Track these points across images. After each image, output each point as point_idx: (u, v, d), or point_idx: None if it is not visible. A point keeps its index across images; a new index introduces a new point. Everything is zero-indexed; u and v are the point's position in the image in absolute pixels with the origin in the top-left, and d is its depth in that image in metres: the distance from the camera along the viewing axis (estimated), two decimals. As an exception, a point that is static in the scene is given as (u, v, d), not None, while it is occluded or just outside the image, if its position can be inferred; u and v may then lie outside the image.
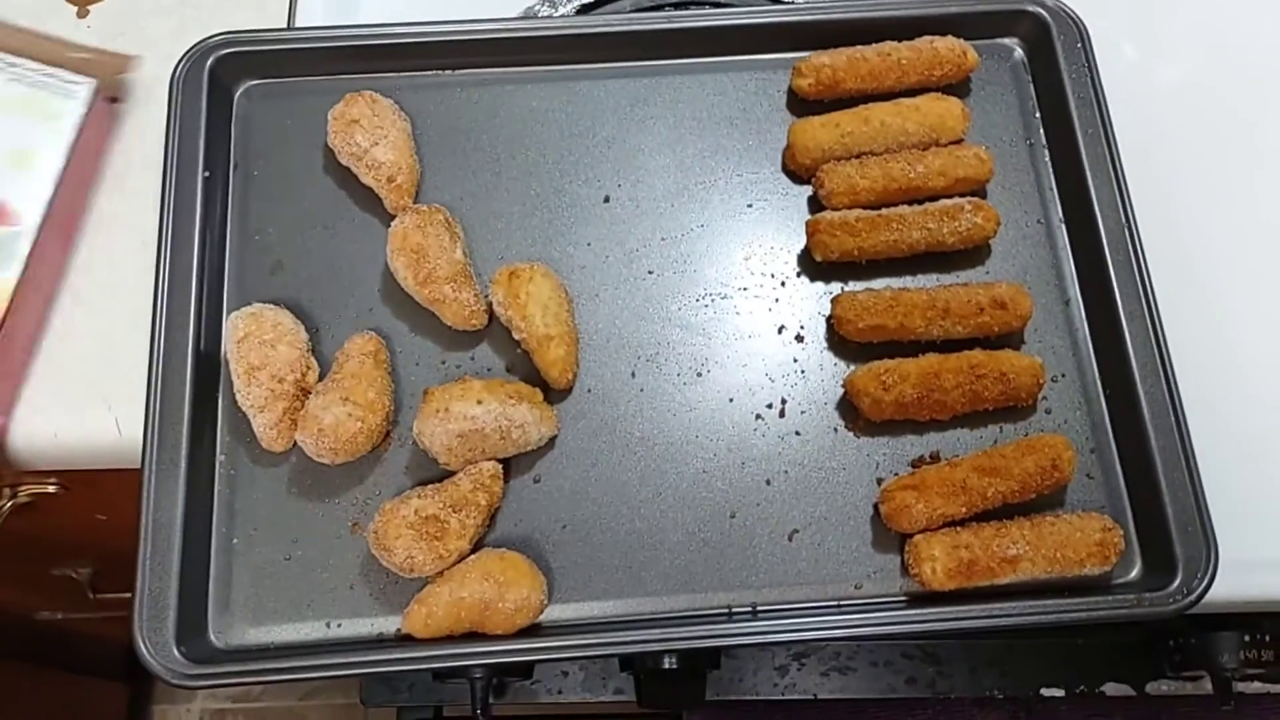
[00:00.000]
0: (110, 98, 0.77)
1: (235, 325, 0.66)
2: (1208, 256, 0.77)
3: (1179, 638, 0.78)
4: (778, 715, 0.82)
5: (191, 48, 0.73)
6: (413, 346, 0.70)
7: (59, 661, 1.40)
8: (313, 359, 0.67)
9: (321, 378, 0.67)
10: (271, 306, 0.67)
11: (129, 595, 0.61)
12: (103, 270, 0.74)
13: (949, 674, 0.83)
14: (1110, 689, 0.83)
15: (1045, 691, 0.83)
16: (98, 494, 0.83)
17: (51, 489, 0.82)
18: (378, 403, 0.65)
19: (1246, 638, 0.75)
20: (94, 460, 0.72)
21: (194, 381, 0.65)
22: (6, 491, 0.80)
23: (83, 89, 0.71)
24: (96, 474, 0.74)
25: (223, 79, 0.74)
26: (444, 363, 0.69)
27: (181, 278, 0.68)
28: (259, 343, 0.65)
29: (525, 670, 0.81)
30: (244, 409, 0.65)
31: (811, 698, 0.82)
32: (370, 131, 0.70)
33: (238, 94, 0.75)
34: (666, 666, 0.73)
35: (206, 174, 0.70)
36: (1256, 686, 0.82)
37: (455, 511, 0.62)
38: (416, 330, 0.70)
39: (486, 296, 0.69)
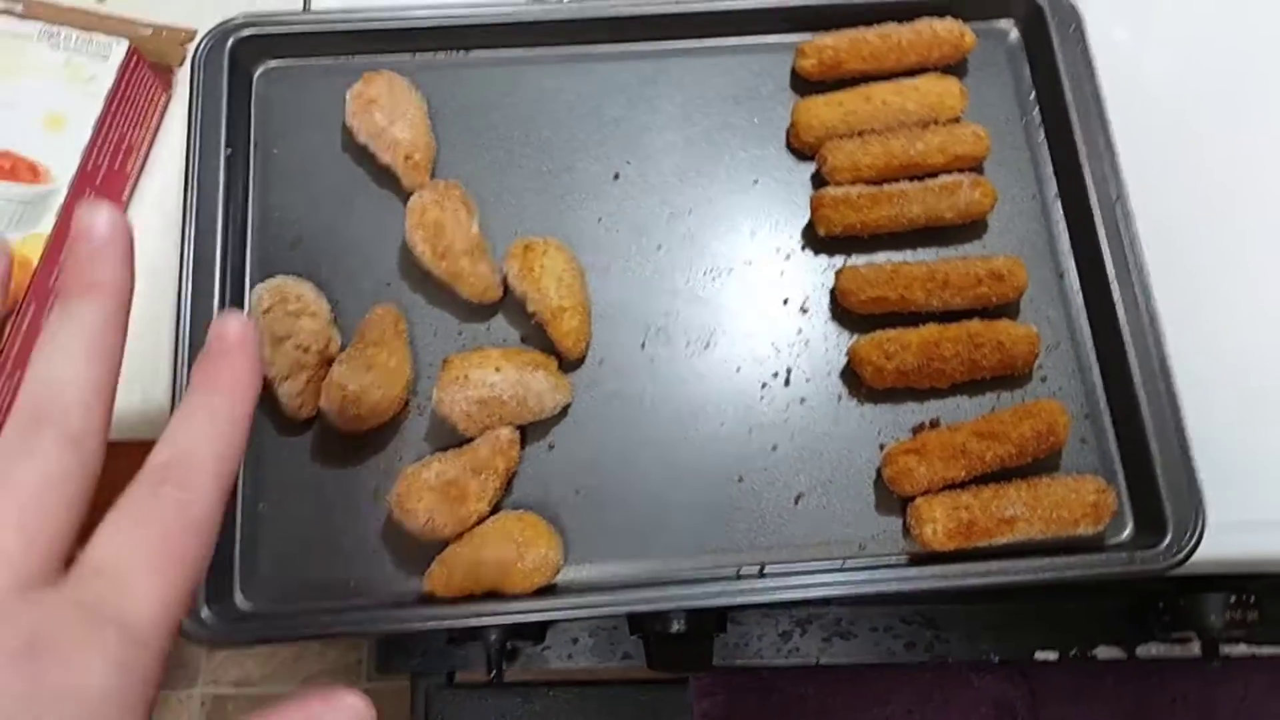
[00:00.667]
0: (167, 67, 0.79)
1: (260, 297, 0.68)
2: (1197, 229, 0.80)
3: (1168, 599, 0.80)
4: (781, 679, 0.85)
5: (212, 29, 0.75)
6: (430, 318, 0.72)
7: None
8: (335, 329, 0.69)
9: (343, 348, 0.69)
10: (294, 279, 0.69)
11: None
12: (126, 245, 0.76)
13: (946, 639, 0.86)
14: (1102, 652, 0.86)
15: (1039, 655, 0.86)
16: (120, 466, 0.84)
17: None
18: (399, 371, 0.67)
19: (1233, 599, 0.78)
20: (118, 431, 0.73)
21: (219, 352, 0.67)
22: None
23: (116, 50, 0.72)
24: (115, 446, 0.76)
25: (242, 60, 0.76)
26: (460, 334, 0.71)
27: (205, 252, 0.69)
28: (283, 314, 0.67)
29: (538, 634, 0.84)
30: (268, 377, 0.67)
31: (814, 662, 0.85)
32: (388, 110, 0.72)
33: (257, 75, 0.77)
34: (675, 630, 0.75)
35: (228, 152, 0.72)
36: (1242, 649, 0.85)
37: (475, 475, 0.65)
38: (433, 303, 0.72)
39: (501, 270, 0.71)
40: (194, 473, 0.38)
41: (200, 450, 0.39)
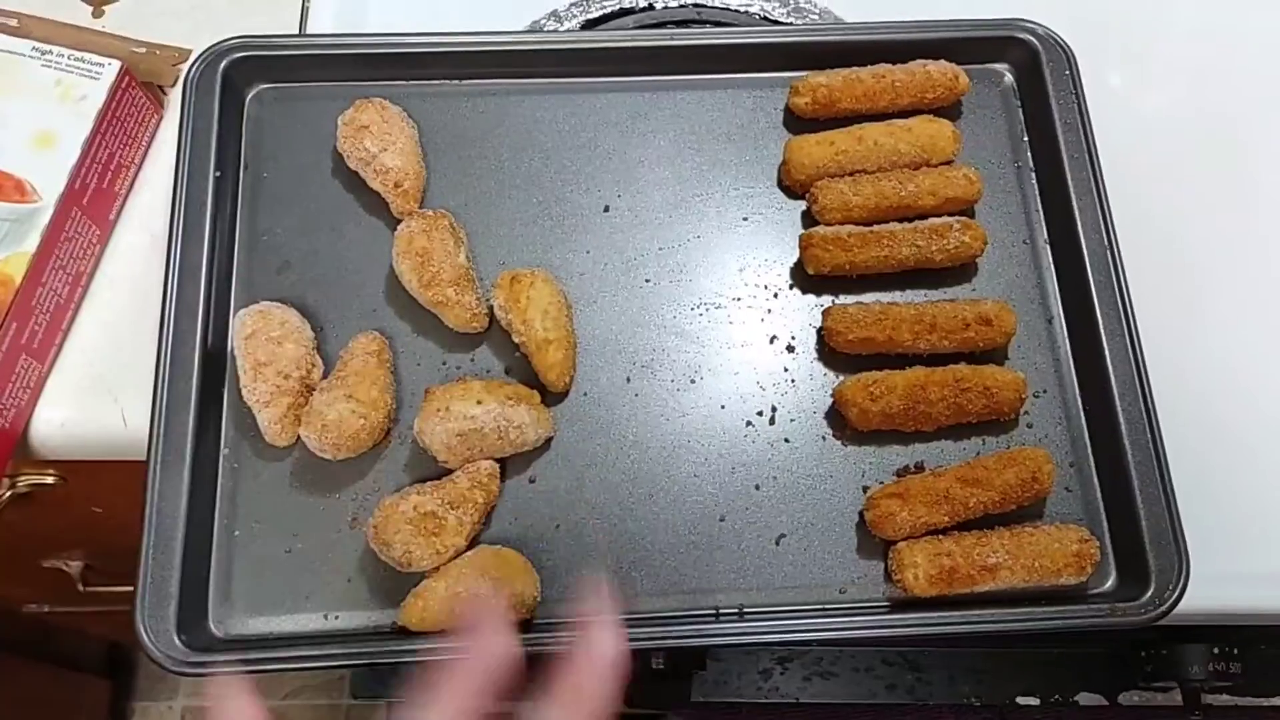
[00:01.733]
0: (159, 87, 0.79)
1: (244, 322, 0.67)
2: (1186, 277, 0.80)
3: (1150, 649, 0.80)
4: (760, 718, 0.84)
5: (205, 50, 0.75)
6: (415, 347, 0.71)
7: (43, 655, 1.41)
8: (318, 357, 0.69)
9: (325, 375, 0.68)
10: (279, 305, 0.69)
11: (118, 589, 0.62)
12: (113, 264, 0.76)
13: (928, 681, 0.85)
14: (1084, 698, 0.85)
15: (1021, 700, 0.85)
16: (96, 486, 0.84)
17: (50, 480, 0.83)
18: (380, 400, 0.66)
19: (1215, 650, 0.77)
20: (99, 452, 0.73)
21: (201, 376, 0.67)
22: (5, 481, 0.81)
23: (108, 71, 0.72)
24: (96, 466, 0.75)
25: (235, 82, 0.75)
26: (444, 364, 0.71)
27: (191, 273, 0.69)
28: (266, 339, 0.66)
29: (515, 667, 0.83)
30: (249, 404, 0.66)
31: (794, 701, 0.84)
32: (379, 137, 0.72)
33: (249, 97, 0.77)
34: (654, 666, 0.75)
35: (218, 174, 0.72)
36: (1225, 699, 0.85)
37: (453, 509, 0.64)
38: (419, 331, 0.72)
39: (488, 300, 0.71)
40: None
41: None
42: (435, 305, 0.70)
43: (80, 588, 1.10)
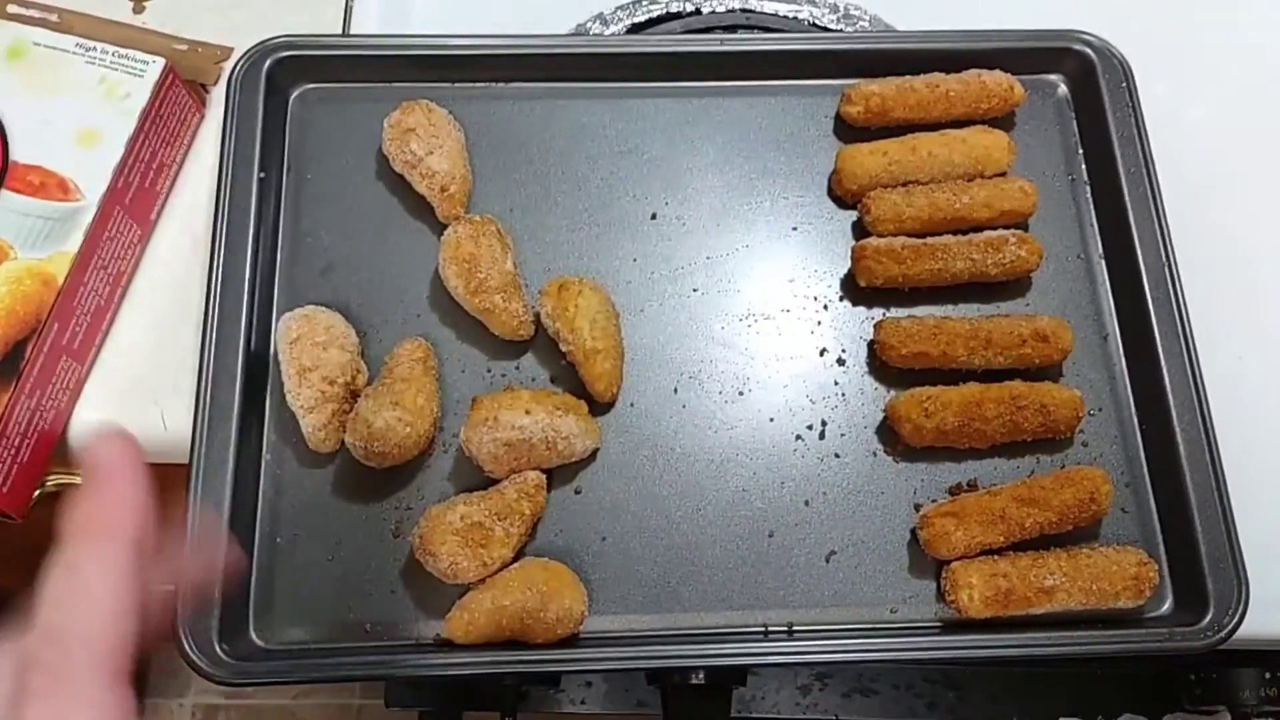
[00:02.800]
0: (201, 85, 0.78)
1: (289, 326, 0.66)
2: (1243, 293, 0.78)
3: (1200, 672, 0.78)
4: (798, 734, 0.83)
5: (250, 49, 0.74)
6: (459, 354, 0.70)
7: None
8: (362, 362, 0.68)
9: (370, 380, 0.67)
10: (324, 309, 0.68)
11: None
12: (153, 265, 0.75)
13: (969, 700, 0.84)
14: (1126, 719, 0.84)
15: (1063, 720, 0.84)
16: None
17: (79, 480, 0.82)
18: (426, 408, 0.65)
19: (1267, 675, 0.76)
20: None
21: (244, 380, 0.66)
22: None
23: (152, 68, 0.71)
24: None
25: (279, 81, 0.74)
26: (489, 371, 0.70)
27: (234, 276, 0.68)
28: (311, 344, 0.65)
29: (553, 679, 0.82)
30: (293, 409, 0.65)
31: (833, 718, 0.83)
32: (425, 140, 0.71)
33: (293, 97, 0.76)
34: (694, 681, 0.73)
35: (261, 175, 0.71)
36: (1272, 724, 0.83)
37: (500, 520, 0.63)
38: (462, 338, 0.71)
39: (534, 308, 0.70)
40: (63, 660, 0.37)
41: (71, 633, 0.38)
42: (481, 312, 0.69)
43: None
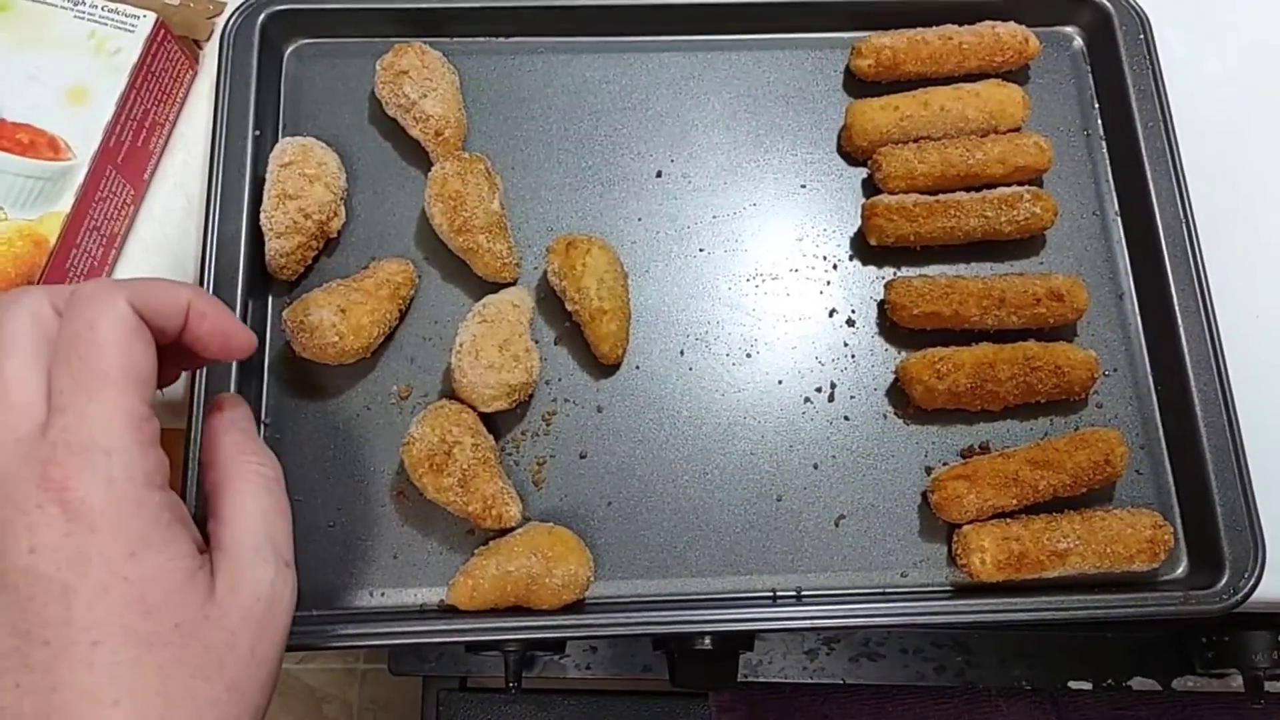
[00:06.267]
0: (194, 41, 0.76)
1: (285, 149, 0.67)
2: (1258, 250, 0.77)
3: (1213, 635, 0.78)
4: (805, 698, 0.82)
5: (244, 3, 0.72)
6: (442, 293, 0.69)
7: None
8: (343, 207, 0.69)
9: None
10: (323, 145, 0.68)
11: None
12: (146, 226, 0.73)
13: (977, 663, 0.83)
14: (1137, 683, 0.83)
15: (1072, 684, 0.83)
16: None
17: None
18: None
19: (1279, 638, 0.75)
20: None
21: (241, 343, 0.64)
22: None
23: (143, 23, 0.69)
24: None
25: (273, 37, 0.72)
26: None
27: (229, 235, 0.66)
28: (299, 174, 0.66)
29: (558, 645, 0.81)
30: (263, 228, 0.66)
31: (840, 682, 0.82)
32: (419, 83, 0.69)
33: (288, 53, 0.74)
34: (700, 646, 0.73)
35: (257, 133, 0.69)
36: (1283, 687, 0.83)
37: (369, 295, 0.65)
38: (447, 277, 0.69)
39: (519, 252, 0.69)
40: (84, 299, 0.44)
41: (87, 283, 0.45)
42: (465, 252, 0.67)
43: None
